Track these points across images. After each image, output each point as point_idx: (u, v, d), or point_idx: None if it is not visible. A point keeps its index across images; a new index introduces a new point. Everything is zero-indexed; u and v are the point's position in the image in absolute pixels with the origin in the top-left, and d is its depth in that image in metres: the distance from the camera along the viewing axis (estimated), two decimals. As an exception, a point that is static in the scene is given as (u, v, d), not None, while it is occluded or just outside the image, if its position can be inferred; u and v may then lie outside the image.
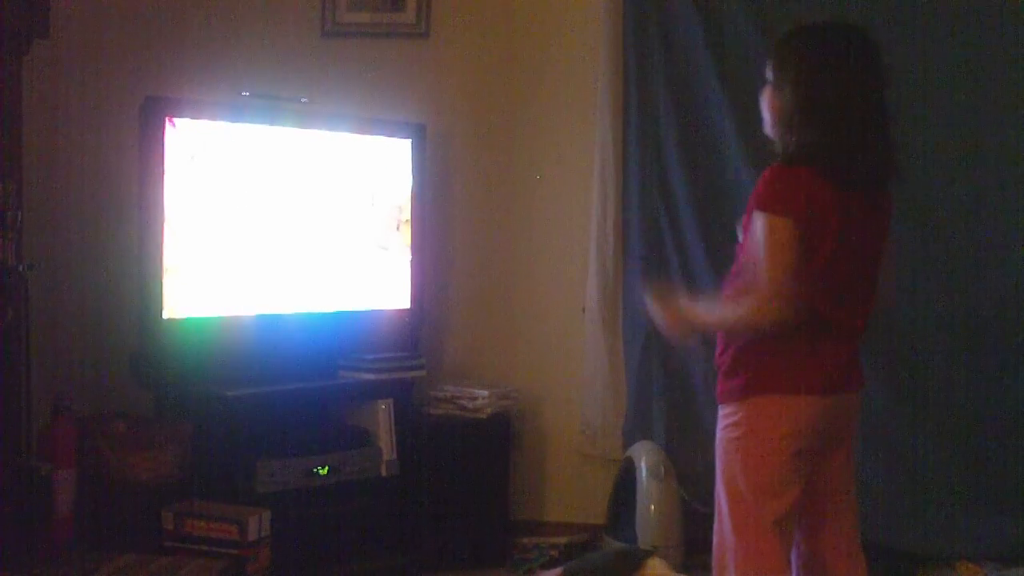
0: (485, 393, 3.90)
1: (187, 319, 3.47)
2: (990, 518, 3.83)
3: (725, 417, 2.47)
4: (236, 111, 3.63)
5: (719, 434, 2.49)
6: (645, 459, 3.80)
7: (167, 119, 3.40)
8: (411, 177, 4.00)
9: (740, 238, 2.47)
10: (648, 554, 3.04)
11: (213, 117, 3.54)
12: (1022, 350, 3.86)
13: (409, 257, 4.01)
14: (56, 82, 3.81)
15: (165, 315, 3.42)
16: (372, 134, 3.92)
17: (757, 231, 2.32)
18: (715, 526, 2.50)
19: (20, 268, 3.16)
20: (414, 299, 4.02)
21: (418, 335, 4.04)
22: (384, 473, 3.72)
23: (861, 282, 2.46)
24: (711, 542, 2.50)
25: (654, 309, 2.52)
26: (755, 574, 2.42)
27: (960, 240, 3.91)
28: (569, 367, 4.16)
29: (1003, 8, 3.87)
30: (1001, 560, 3.76)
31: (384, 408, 3.75)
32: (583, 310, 4.12)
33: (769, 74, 2.43)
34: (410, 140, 3.98)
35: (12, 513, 3.12)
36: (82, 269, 3.82)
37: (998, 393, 3.87)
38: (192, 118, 3.48)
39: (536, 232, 4.21)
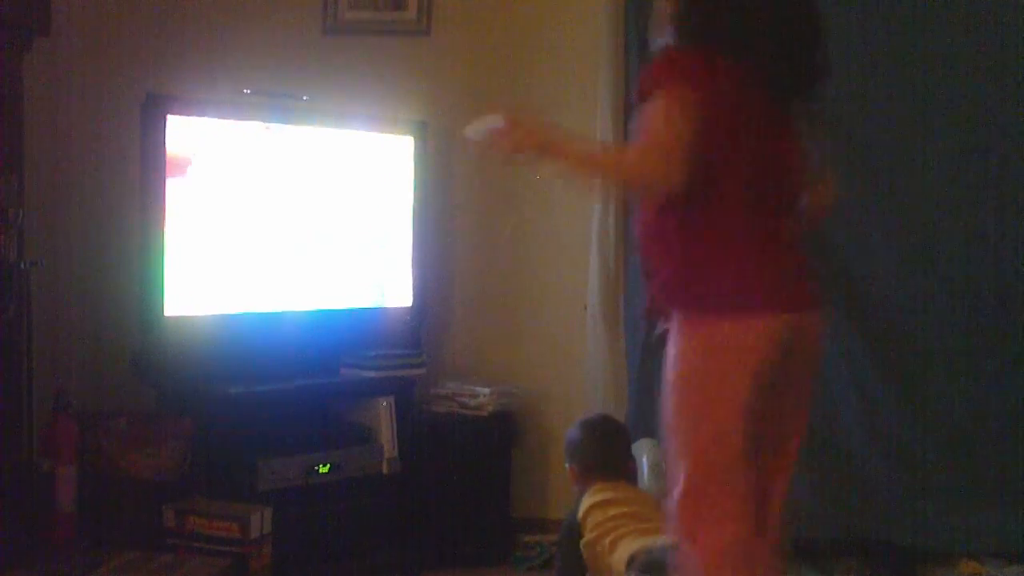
0: (486, 391, 3.90)
1: (189, 316, 3.47)
2: (991, 514, 3.82)
3: (672, 345, 2.23)
4: (237, 109, 3.63)
5: (668, 367, 2.24)
6: (647, 456, 3.79)
7: (168, 116, 3.40)
8: (413, 174, 4.00)
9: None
10: None
11: (214, 115, 3.54)
12: (1022, 346, 3.86)
13: (411, 254, 4.01)
14: (57, 79, 3.81)
15: (167, 312, 3.42)
16: (374, 131, 3.93)
17: (646, 113, 2.09)
18: (678, 484, 2.24)
19: (22, 265, 3.17)
20: (416, 296, 4.02)
21: (419, 332, 4.04)
22: (385, 471, 3.72)
23: (786, 187, 2.28)
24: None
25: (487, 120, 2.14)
26: (730, 512, 2.20)
27: (960, 237, 3.91)
28: (570, 364, 4.16)
29: (1004, 7, 3.87)
30: (1002, 556, 3.76)
31: (385, 405, 3.75)
32: (584, 307, 4.11)
33: None
34: (412, 137, 3.98)
35: (14, 510, 3.12)
36: (84, 266, 3.82)
37: (998, 389, 3.87)
38: (193, 115, 3.48)
39: (537, 229, 4.21)
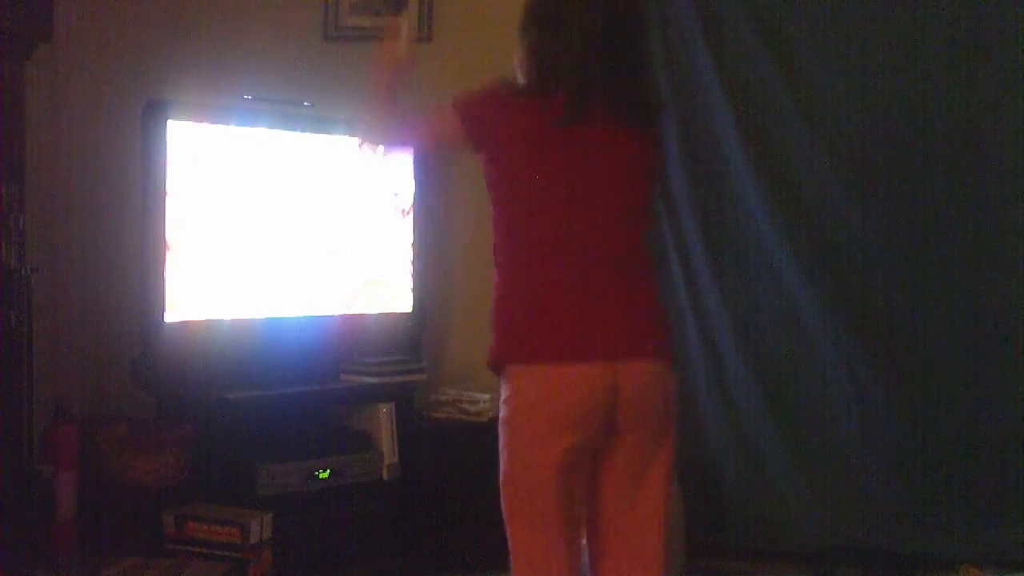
0: (486, 396, 3.90)
1: (189, 322, 3.47)
2: (992, 521, 3.83)
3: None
4: (238, 115, 3.63)
5: None
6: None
7: (168, 122, 3.41)
8: (413, 181, 4.00)
9: None
10: None
11: (215, 121, 3.55)
12: (1022, 354, 3.86)
13: (411, 260, 4.01)
14: (59, 86, 3.81)
15: (167, 318, 3.42)
16: (374, 138, 3.93)
17: None
18: None
19: (23, 271, 3.17)
20: (416, 302, 4.02)
21: (419, 338, 4.04)
22: (385, 476, 3.72)
23: (598, 226, 2.25)
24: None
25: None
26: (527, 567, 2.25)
27: (961, 241, 3.91)
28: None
29: (1004, 8, 3.87)
30: (1003, 564, 3.76)
31: (386, 411, 3.75)
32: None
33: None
34: (412, 144, 3.99)
35: (14, 516, 3.11)
36: (84, 272, 3.82)
37: (1000, 396, 3.87)
38: (194, 121, 3.49)
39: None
